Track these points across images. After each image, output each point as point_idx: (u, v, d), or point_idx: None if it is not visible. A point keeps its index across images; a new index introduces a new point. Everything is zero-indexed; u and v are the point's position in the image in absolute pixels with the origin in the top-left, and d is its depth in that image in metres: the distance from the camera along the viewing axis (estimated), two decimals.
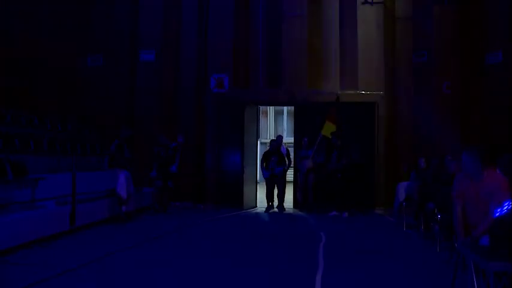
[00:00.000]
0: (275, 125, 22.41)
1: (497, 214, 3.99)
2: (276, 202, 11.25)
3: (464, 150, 4.33)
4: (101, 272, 5.33)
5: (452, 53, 11.37)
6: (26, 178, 7.38)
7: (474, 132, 10.88)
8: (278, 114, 22.40)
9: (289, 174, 11.80)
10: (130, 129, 9.71)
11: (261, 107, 16.39)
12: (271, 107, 21.17)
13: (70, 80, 11.52)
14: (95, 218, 8.28)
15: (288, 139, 16.98)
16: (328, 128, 10.79)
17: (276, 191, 11.18)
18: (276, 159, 11.06)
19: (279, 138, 11.71)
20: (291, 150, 11.89)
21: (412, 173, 9.17)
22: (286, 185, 11.41)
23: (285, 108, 21.48)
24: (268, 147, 12.01)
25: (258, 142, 14.56)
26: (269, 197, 11.20)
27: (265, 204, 11.25)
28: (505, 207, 3.98)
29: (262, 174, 11.30)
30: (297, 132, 11.78)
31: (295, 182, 11.62)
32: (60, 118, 10.55)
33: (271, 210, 11.10)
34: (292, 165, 11.65)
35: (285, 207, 11.18)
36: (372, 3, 11.62)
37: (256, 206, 11.87)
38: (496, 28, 10.85)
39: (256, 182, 12.36)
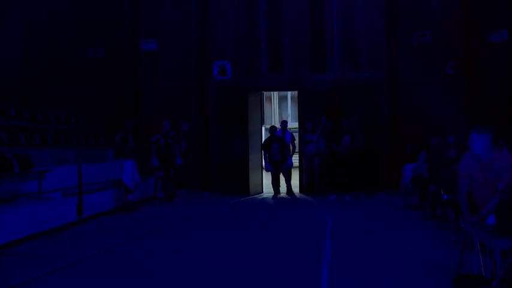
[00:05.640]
0: (279, 110, 22.37)
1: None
2: (283, 188, 11.18)
3: (475, 131, 4.16)
4: (111, 262, 5.36)
5: (456, 32, 11.20)
6: (32, 171, 7.43)
7: (480, 112, 10.77)
8: (282, 100, 22.34)
9: (295, 159, 11.77)
10: (134, 119, 9.70)
11: (264, 93, 16.32)
12: (275, 93, 21.10)
13: (72, 72, 11.49)
14: (102, 209, 8.33)
15: (293, 124, 16.95)
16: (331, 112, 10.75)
17: (282, 178, 11.12)
18: (278, 146, 10.82)
19: (284, 123, 11.67)
20: (296, 135, 11.84)
21: (422, 153, 8.98)
22: (292, 170, 11.39)
23: (289, 93, 21.39)
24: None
25: (263, 128, 14.52)
26: (275, 185, 11.14)
27: (272, 190, 11.20)
28: None
29: (265, 167, 11.17)
30: (301, 117, 11.74)
31: (300, 167, 11.59)
32: (63, 111, 10.55)
33: (279, 196, 11.05)
34: (297, 150, 11.60)
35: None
36: None
37: (262, 192, 11.87)
38: (501, 6, 10.67)
39: (262, 168, 12.32)
